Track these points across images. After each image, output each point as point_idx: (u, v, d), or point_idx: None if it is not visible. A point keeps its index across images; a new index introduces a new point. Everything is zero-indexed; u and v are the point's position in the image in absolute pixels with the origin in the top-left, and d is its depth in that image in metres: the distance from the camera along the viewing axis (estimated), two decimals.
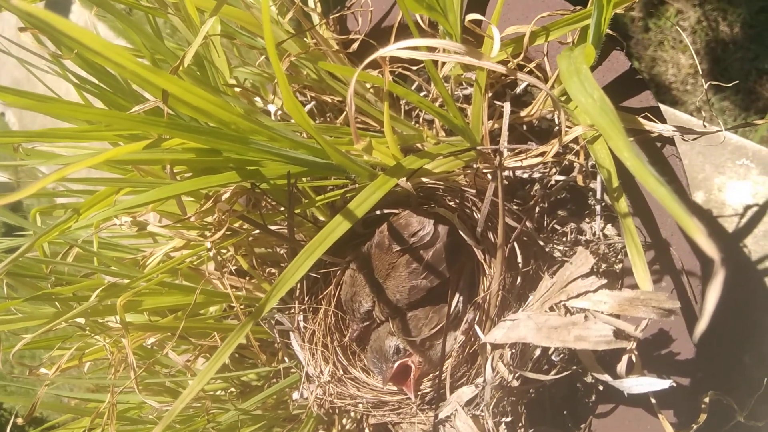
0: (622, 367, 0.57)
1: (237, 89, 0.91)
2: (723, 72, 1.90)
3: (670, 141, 0.71)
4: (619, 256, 0.77)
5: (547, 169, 0.84)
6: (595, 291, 0.56)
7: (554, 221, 0.82)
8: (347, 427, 0.89)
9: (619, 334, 0.54)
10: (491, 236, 0.73)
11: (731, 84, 0.80)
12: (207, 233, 0.78)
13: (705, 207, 1.11)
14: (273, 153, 0.70)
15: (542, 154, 0.72)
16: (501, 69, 0.52)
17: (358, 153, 0.79)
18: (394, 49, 0.50)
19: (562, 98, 0.76)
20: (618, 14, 0.72)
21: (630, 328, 0.53)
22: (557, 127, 0.74)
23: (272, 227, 0.84)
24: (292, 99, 0.63)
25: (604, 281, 0.56)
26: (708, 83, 0.73)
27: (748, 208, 1.09)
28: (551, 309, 0.59)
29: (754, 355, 1.06)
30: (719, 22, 1.87)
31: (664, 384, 0.55)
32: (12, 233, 1.19)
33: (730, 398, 0.71)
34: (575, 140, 0.78)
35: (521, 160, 0.72)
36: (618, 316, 0.56)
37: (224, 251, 0.93)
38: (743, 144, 1.11)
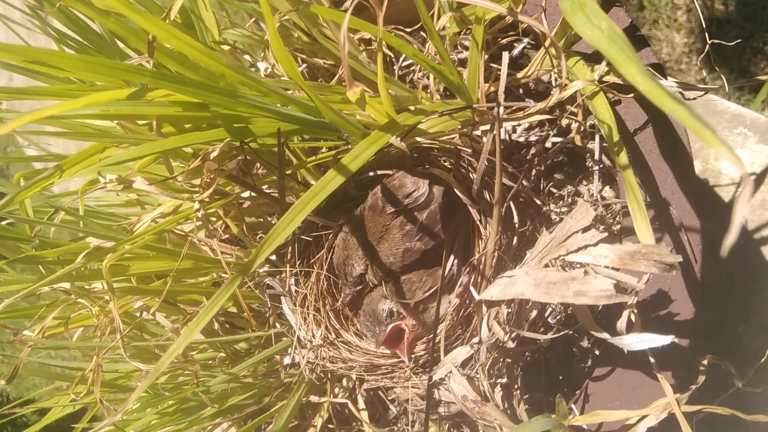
0: (622, 323, 0.55)
1: (225, 47, 0.88)
2: (717, 51, 1.88)
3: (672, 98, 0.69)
4: (617, 218, 0.75)
5: (544, 132, 0.82)
6: (595, 245, 0.54)
7: (551, 184, 0.80)
8: (339, 394, 0.88)
9: (619, 288, 0.52)
10: (487, 195, 0.72)
11: (733, 43, 0.78)
12: (195, 195, 0.76)
13: (702, 176, 1.09)
14: (263, 108, 0.67)
15: (540, 111, 0.70)
16: (501, 9, 0.50)
17: (351, 112, 0.77)
18: None
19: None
20: None
21: (632, 281, 0.52)
22: (555, 87, 0.72)
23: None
24: (284, 51, 0.61)
25: (605, 234, 0.54)
26: (711, 41, 0.71)
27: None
28: (549, 264, 0.57)
29: (749, 325, 1.05)
30: (714, 0, 1.85)
31: (665, 340, 0.53)
32: None
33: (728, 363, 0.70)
34: (573, 100, 0.76)
35: (519, 119, 0.70)
36: (618, 271, 0.54)
37: (213, 219, 0.91)
38: (741, 112, 1.10)
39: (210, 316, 0.54)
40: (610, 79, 0.69)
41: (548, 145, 0.81)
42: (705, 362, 0.67)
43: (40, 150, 1.10)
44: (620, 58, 0.34)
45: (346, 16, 0.50)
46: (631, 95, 0.69)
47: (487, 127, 0.73)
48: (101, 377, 0.91)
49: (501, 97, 0.64)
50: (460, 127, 0.75)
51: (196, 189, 0.78)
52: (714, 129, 0.28)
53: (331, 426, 0.92)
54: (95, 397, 0.62)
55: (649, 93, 0.31)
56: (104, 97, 0.54)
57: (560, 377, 0.79)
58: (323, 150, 0.83)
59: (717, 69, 0.98)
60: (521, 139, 0.83)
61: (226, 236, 1.00)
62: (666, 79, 0.68)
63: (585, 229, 0.55)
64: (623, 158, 0.59)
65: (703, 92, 0.67)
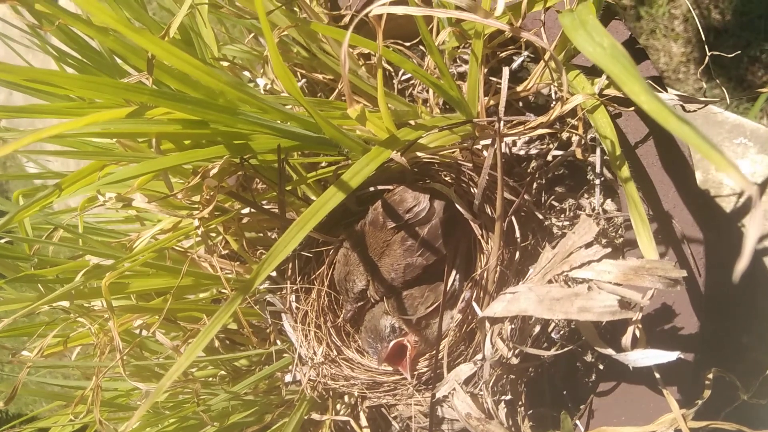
0: (627, 339, 0.55)
1: (225, 63, 0.88)
2: (715, 60, 1.89)
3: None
4: (620, 231, 0.75)
5: (544, 145, 0.82)
6: (598, 260, 0.54)
7: (552, 197, 0.80)
8: (341, 411, 0.87)
9: (624, 304, 0.52)
10: (489, 210, 0.71)
11: (732, 54, 0.78)
12: (195, 212, 0.76)
13: (703, 187, 1.09)
14: (263, 125, 0.67)
15: (541, 125, 0.70)
16: (504, 26, 0.50)
17: (351, 127, 0.77)
18: (388, 4, 0.47)
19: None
20: (609, 3, 0.70)
21: (636, 297, 0.51)
22: (554, 102, 0.72)
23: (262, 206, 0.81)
24: (283, 67, 0.61)
25: (608, 250, 0.54)
26: (711, 53, 0.71)
27: None
28: (553, 280, 0.57)
29: (753, 336, 1.04)
30: (711, 9, 1.85)
31: (671, 356, 0.53)
32: None
33: (733, 376, 0.69)
34: (573, 113, 0.76)
35: (519, 133, 0.70)
36: (621, 287, 0.54)
37: (213, 234, 0.90)
38: (741, 122, 1.10)
39: (211, 336, 0.54)
40: (611, 92, 0.69)
41: (549, 158, 0.81)
42: (710, 376, 0.66)
43: (39, 167, 1.10)
44: (623, 77, 0.34)
45: (347, 35, 0.50)
46: (632, 109, 0.68)
47: (488, 141, 0.72)
48: (101, 396, 0.91)
49: (501, 111, 0.64)
50: (460, 141, 0.75)
51: (196, 206, 0.78)
52: (720, 148, 0.27)
53: None
54: (95, 417, 0.61)
55: (654, 112, 0.31)
56: (104, 116, 0.54)
57: (564, 392, 0.78)
58: (323, 165, 0.83)
59: (716, 80, 0.98)
60: (522, 153, 0.83)
61: (226, 252, 0.99)
62: (666, 91, 0.68)
63: (588, 245, 0.55)
64: (625, 172, 0.59)
65: (703, 105, 0.67)
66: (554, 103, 0.67)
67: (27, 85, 0.72)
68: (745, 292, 1.04)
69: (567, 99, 0.64)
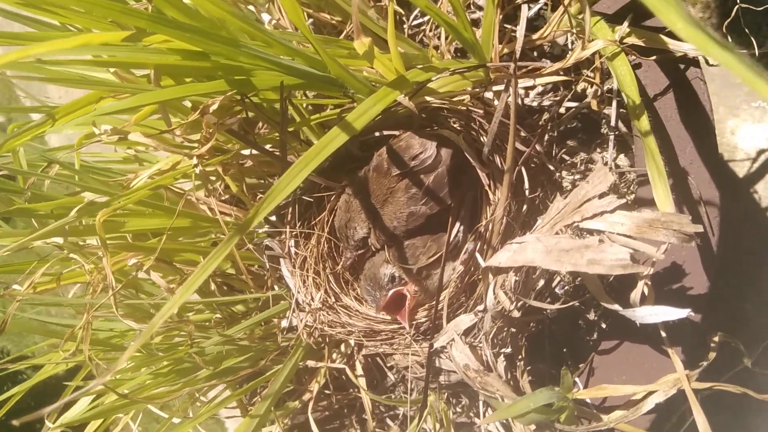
0: (636, 295, 0.53)
1: None
2: (732, 27, 1.83)
3: (695, 62, 0.65)
4: (631, 188, 0.72)
5: (558, 97, 0.79)
6: (611, 212, 0.51)
7: (563, 151, 0.77)
8: (337, 360, 0.86)
9: (635, 258, 0.50)
10: (498, 160, 0.69)
11: (762, 7, 0.74)
12: (193, 150, 0.73)
13: None
14: (266, 60, 0.64)
15: (557, 72, 0.67)
16: None
17: (358, 68, 0.74)
18: None
19: (579, 16, 0.70)
20: None
21: (651, 250, 0.49)
22: (574, 47, 0.69)
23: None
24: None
25: (623, 201, 0.51)
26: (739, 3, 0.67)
27: (761, 152, 1.05)
28: (561, 231, 0.55)
29: (757, 303, 1.03)
30: None
31: (681, 313, 0.51)
32: None
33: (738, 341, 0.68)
34: (589, 64, 0.73)
35: (535, 78, 0.66)
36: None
37: (213, 178, 0.88)
38: None
39: (206, 275, 0.52)
40: (632, 40, 0.66)
41: (562, 110, 0.78)
42: (716, 338, 0.65)
43: (36, 101, 1.07)
44: (659, 4, 0.31)
45: None
46: (653, 58, 0.65)
47: (501, 87, 0.69)
48: (95, 336, 0.90)
49: (518, 49, 0.60)
50: (471, 87, 0.72)
51: (195, 145, 0.75)
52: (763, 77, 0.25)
53: (327, 392, 0.91)
54: (84, 355, 0.60)
55: (693, 40, 0.28)
56: (98, 38, 0.51)
57: (564, 350, 0.77)
58: (329, 108, 0.80)
59: (747, 32, 0.93)
60: (534, 104, 0.80)
61: (227, 196, 0.97)
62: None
63: (602, 195, 0.52)
64: (644, 121, 0.56)
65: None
66: (574, 47, 0.64)
67: (21, 12, 0.69)
68: (752, 257, 1.02)
69: (587, 44, 0.61)
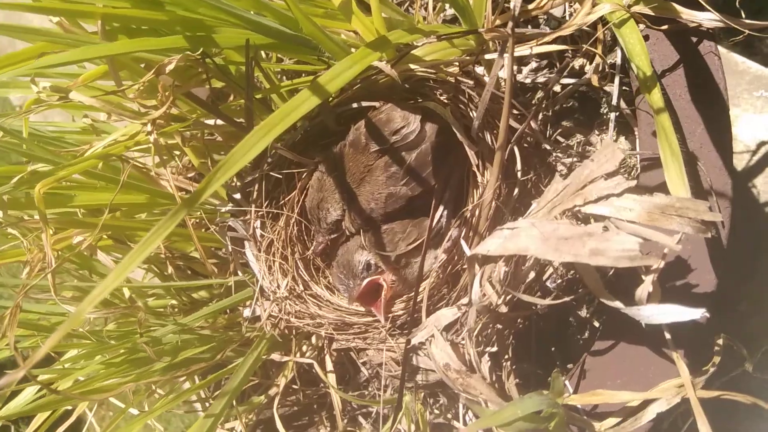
0: (642, 291, 0.46)
1: None
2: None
3: (709, 35, 0.59)
4: (633, 173, 0.66)
5: (553, 73, 0.72)
6: (619, 195, 0.45)
7: (558, 132, 0.71)
8: (307, 353, 0.79)
9: (645, 248, 0.43)
10: (488, 138, 0.62)
11: None
12: (147, 116, 0.65)
13: None
14: (231, 13, 0.57)
15: (557, 40, 0.60)
16: None
17: (335, 29, 0.67)
18: None
19: None
20: None
21: (666, 240, 0.42)
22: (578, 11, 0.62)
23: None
24: None
25: (632, 183, 0.45)
26: None
27: (761, 144, 0.99)
28: (559, 216, 0.48)
29: (752, 302, 0.98)
30: None
31: (695, 313, 0.45)
32: None
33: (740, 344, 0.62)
34: (589, 37, 0.66)
35: (532, 46, 0.60)
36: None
37: (177, 152, 0.80)
38: (764, 73, 1.01)
39: (151, 247, 0.44)
40: (640, 8, 0.59)
41: (557, 88, 0.71)
42: (720, 341, 0.59)
43: None
44: None
45: None
46: (664, 27, 0.59)
47: (494, 56, 0.62)
48: (44, 321, 0.82)
49: (517, 7, 0.53)
50: (460, 55, 0.65)
51: (150, 109, 0.67)
52: None
53: (295, 386, 0.84)
54: (9, 341, 0.52)
55: None
56: None
57: (553, 349, 0.71)
58: (303, 76, 0.73)
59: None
60: (527, 81, 0.73)
61: (193, 174, 0.90)
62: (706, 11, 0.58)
63: (609, 176, 0.45)
64: (657, 96, 0.50)
65: (747, 28, 0.57)
66: (578, 10, 0.57)
67: None
68: (746, 256, 0.97)
69: (592, 8, 0.55)
